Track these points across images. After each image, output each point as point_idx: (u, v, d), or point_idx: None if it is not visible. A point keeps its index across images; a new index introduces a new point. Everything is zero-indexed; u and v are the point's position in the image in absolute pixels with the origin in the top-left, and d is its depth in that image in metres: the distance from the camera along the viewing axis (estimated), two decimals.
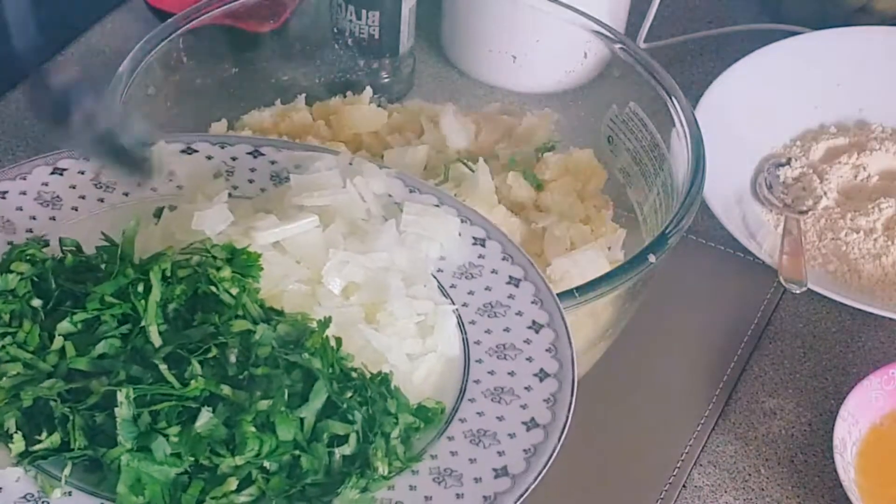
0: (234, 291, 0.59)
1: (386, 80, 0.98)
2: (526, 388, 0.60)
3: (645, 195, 0.83)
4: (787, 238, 0.92)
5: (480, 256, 0.66)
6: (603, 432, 0.82)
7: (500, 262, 0.66)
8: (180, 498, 0.53)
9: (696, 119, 0.79)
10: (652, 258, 0.69)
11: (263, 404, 0.54)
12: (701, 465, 0.81)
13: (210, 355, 0.56)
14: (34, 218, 0.67)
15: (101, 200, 0.68)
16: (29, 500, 0.53)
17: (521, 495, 0.55)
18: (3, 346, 0.57)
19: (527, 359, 0.61)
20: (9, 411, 0.55)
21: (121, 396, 0.53)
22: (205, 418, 0.54)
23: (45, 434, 0.54)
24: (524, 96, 0.95)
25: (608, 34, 0.87)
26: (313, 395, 0.55)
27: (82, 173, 0.69)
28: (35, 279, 0.60)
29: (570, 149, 0.88)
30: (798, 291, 0.88)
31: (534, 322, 0.63)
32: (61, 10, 1.11)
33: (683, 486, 0.80)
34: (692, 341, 0.89)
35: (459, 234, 0.66)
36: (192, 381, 0.54)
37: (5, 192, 0.68)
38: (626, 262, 0.70)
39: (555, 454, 0.57)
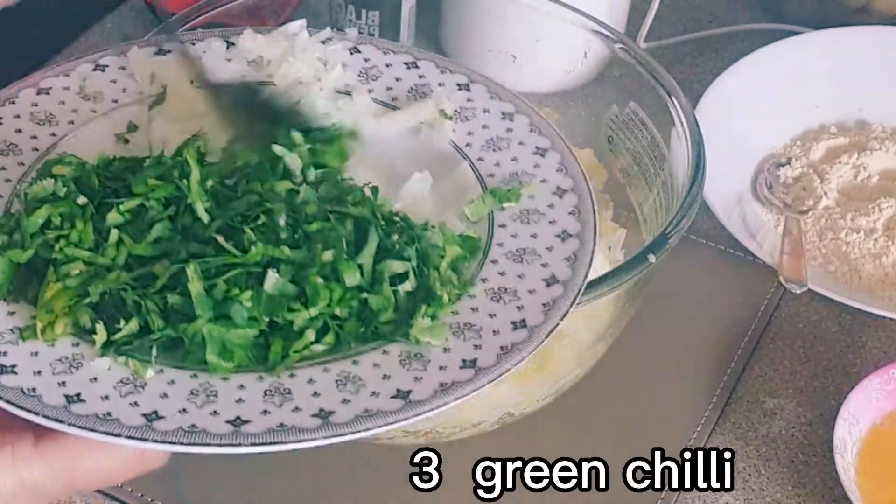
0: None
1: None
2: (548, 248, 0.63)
3: (645, 195, 0.83)
4: (787, 238, 0.92)
5: (509, 130, 0.72)
6: (603, 432, 0.82)
7: (528, 133, 0.72)
8: (266, 356, 0.56)
9: (696, 119, 0.79)
10: (652, 258, 0.69)
11: (327, 255, 0.57)
12: None
13: (260, 222, 0.58)
14: (35, 137, 0.69)
15: (94, 111, 0.71)
16: (126, 384, 0.55)
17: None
18: (61, 248, 0.58)
19: (550, 221, 0.65)
20: (80, 308, 0.57)
21: (190, 272, 0.56)
22: (272, 279, 0.56)
23: (122, 322, 0.56)
24: (524, 96, 0.95)
25: (608, 34, 0.87)
26: (367, 240, 0.59)
27: (67, 89, 0.72)
28: (76, 182, 0.62)
29: None
30: (798, 291, 0.88)
31: (558, 188, 0.67)
32: (61, 9, 1.11)
33: None
34: (692, 341, 0.89)
35: (487, 111, 0.73)
36: (252, 248, 0.57)
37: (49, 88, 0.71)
38: (626, 262, 0.70)
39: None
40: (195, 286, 0.56)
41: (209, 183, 0.61)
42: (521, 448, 0.80)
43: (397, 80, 0.75)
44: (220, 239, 0.57)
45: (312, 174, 0.63)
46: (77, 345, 0.56)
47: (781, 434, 0.83)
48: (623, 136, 0.86)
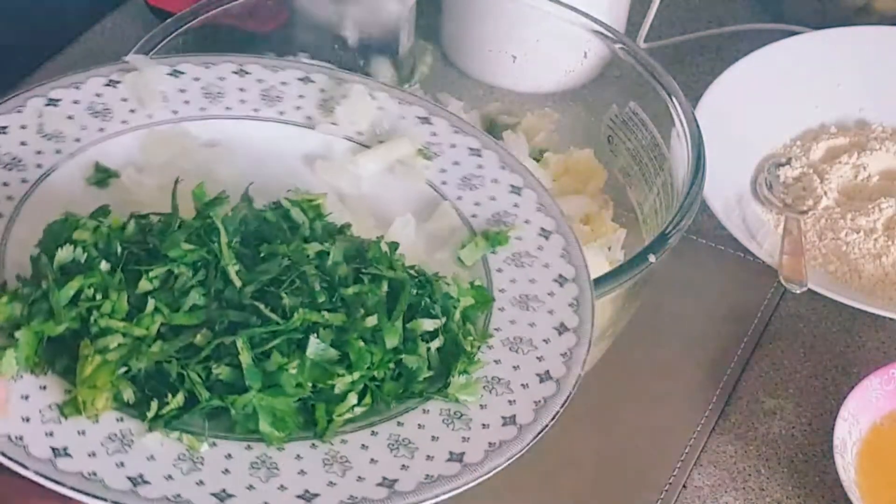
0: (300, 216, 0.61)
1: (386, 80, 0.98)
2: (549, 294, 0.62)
3: (645, 195, 0.83)
4: (787, 238, 0.92)
5: (480, 167, 0.69)
6: (603, 432, 0.82)
7: (499, 171, 0.69)
8: (308, 422, 0.55)
9: (696, 119, 0.79)
10: (652, 258, 0.69)
11: (371, 321, 0.57)
12: (701, 465, 0.81)
13: (294, 286, 0.57)
14: (40, 153, 0.66)
15: (102, 130, 0.68)
16: (184, 460, 0.53)
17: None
18: (96, 320, 0.56)
19: (544, 265, 0.64)
20: (122, 382, 0.55)
21: (240, 344, 0.55)
22: (314, 345, 0.56)
23: (169, 396, 0.55)
24: (524, 96, 0.95)
25: (608, 34, 0.87)
26: (401, 299, 0.58)
27: (77, 102, 0.69)
28: (96, 247, 0.60)
29: (570, 149, 0.88)
30: (798, 291, 0.88)
31: (542, 229, 0.66)
32: (61, 9, 1.11)
33: (683, 486, 0.80)
34: (692, 341, 0.89)
35: (454, 146, 0.70)
36: (295, 314, 0.56)
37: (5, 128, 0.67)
38: (626, 262, 0.70)
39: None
40: (245, 357, 0.55)
41: (234, 243, 0.59)
42: None
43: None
44: (262, 307, 0.56)
45: (319, 226, 0.62)
46: (121, 420, 0.54)
47: (781, 434, 0.83)
48: (623, 136, 0.86)
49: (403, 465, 0.54)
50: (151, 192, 0.65)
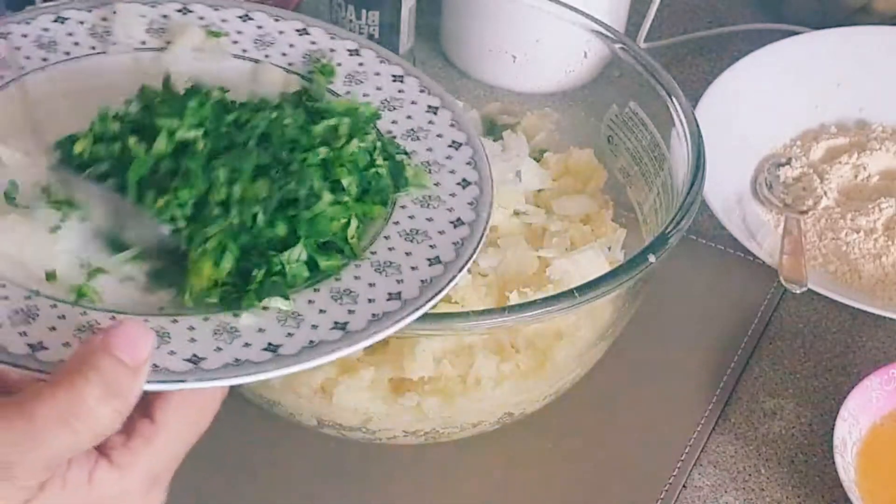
0: None
1: None
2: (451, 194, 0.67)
3: (645, 195, 0.83)
4: (787, 238, 0.92)
5: (400, 91, 0.73)
6: (603, 432, 0.82)
7: (419, 94, 0.73)
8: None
9: (696, 119, 0.79)
10: (652, 258, 0.69)
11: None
12: (701, 465, 0.81)
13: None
14: (28, 58, 0.70)
15: (94, 48, 0.72)
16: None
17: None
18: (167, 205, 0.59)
19: (449, 171, 0.68)
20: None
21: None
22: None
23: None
24: (524, 96, 0.95)
25: (608, 34, 0.87)
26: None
27: (82, 23, 0.73)
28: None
29: (570, 149, 0.88)
30: (798, 291, 0.88)
31: (453, 141, 0.70)
32: None
33: (683, 486, 0.80)
34: (692, 341, 0.89)
35: (378, 74, 0.74)
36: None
37: (7, 34, 0.71)
38: (626, 262, 0.70)
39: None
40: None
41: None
42: (521, 448, 0.80)
43: (291, 46, 0.75)
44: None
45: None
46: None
47: (781, 434, 0.83)
48: (623, 136, 0.86)
49: (349, 311, 0.58)
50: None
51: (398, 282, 0.60)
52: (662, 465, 0.80)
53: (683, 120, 0.79)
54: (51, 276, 0.58)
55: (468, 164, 0.68)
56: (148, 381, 0.52)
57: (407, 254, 0.62)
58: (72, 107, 0.68)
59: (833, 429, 0.78)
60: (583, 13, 0.87)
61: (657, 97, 0.82)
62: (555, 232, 0.80)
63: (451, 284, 0.60)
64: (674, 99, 0.81)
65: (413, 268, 0.61)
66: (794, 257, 0.90)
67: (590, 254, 0.76)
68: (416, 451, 0.79)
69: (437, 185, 0.67)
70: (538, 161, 0.86)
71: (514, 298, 0.72)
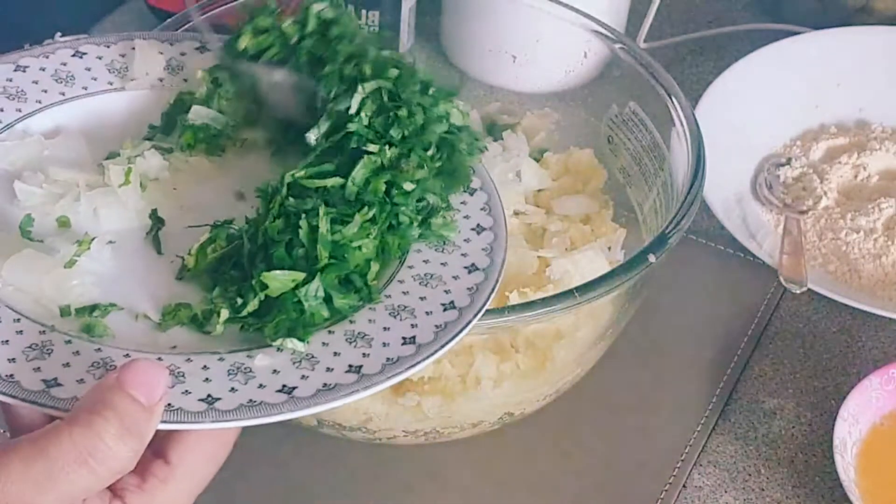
0: None
1: None
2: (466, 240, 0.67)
3: (645, 195, 0.83)
4: (787, 238, 0.92)
5: None
6: (603, 432, 0.82)
7: None
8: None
9: (696, 119, 0.79)
10: (652, 258, 0.69)
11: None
12: (701, 465, 0.81)
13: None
14: (45, 91, 0.71)
15: (111, 84, 0.73)
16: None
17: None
18: None
19: (464, 216, 0.67)
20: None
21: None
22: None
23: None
24: (524, 96, 0.95)
25: (608, 34, 0.87)
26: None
27: (100, 58, 0.73)
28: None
29: (570, 149, 0.88)
30: (798, 291, 0.88)
31: (468, 186, 0.69)
32: (60, 10, 1.11)
33: (683, 486, 0.80)
34: (692, 341, 0.89)
35: None
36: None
37: (26, 67, 0.72)
38: (626, 262, 0.70)
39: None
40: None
41: None
42: (521, 448, 0.80)
43: None
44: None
45: None
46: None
47: (781, 434, 0.83)
48: (623, 136, 0.86)
49: (364, 354, 0.58)
50: None
51: (412, 326, 0.59)
52: (662, 465, 0.80)
53: (683, 120, 0.79)
54: (65, 312, 0.58)
55: (482, 209, 0.68)
56: (163, 421, 0.52)
57: (421, 298, 0.61)
58: (88, 142, 0.69)
59: (833, 429, 0.78)
60: (583, 13, 0.87)
61: (657, 97, 0.82)
62: (555, 232, 0.80)
63: (467, 330, 0.59)
64: (674, 99, 0.81)
65: (428, 312, 0.60)
66: (794, 257, 0.90)
67: (590, 254, 0.76)
68: (416, 451, 0.79)
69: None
70: (538, 161, 0.86)
71: (514, 298, 0.72)
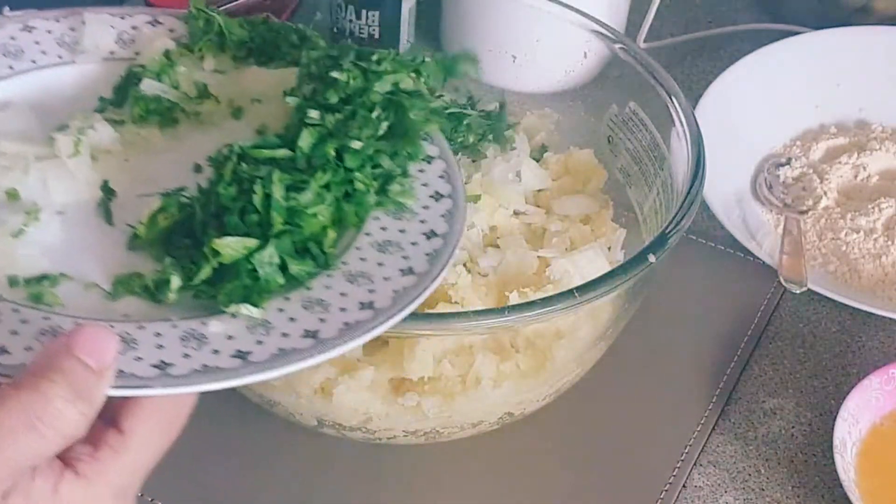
0: None
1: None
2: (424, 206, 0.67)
3: (645, 195, 0.83)
4: (787, 238, 0.92)
5: None
6: (603, 432, 0.82)
7: None
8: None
9: (696, 119, 0.79)
10: (652, 258, 0.69)
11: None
12: (701, 465, 0.81)
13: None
14: None
15: (60, 57, 0.73)
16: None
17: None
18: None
19: (422, 184, 0.67)
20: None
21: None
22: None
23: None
24: (524, 96, 0.95)
25: (608, 34, 0.87)
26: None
27: (49, 32, 0.73)
28: None
29: (570, 149, 0.88)
30: (798, 291, 0.88)
31: (427, 155, 0.69)
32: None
33: (683, 486, 0.80)
34: (692, 341, 0.89)
35: None
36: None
37: None
38: (626, 262, 0.70)
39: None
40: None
41: None
42: (521, 448, 0.80)
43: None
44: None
45: None
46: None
47: (781, 434, 0.83)
48: (623, 136, 0.86)
49: (321, 319, 0.57)
50: None
51: (370, 291, 0.59)
52: (662, 465, 0.80)
53: (683, 120, 0.79)
54: (13, 282, 0.58)
55: (441, 177, 0.68)
56: (114, 387, 0.52)
57: (379, 264, 0.61)
58: (38, 115, 0.68)
59: (833, 429, 0.78)
60: (583, 13, 0.87)
61: (657, 97, 0.82)
62: (555, 232, 0.80)
63: (425, 294, 0.59)
64: (674, 99, 0.81)
65: (385, 278, 0.60)
66: (794, 257, 0.90)
67: (590, 254, 0.76)
68: (416, 451, 0.79)
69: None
70: (538, 161, 0.86)
71: (514, 298, 0.72)
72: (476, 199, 0.79)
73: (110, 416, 0.53)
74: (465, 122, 0.83)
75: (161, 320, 0.57)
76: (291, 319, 0.57)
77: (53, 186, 0.64)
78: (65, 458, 0.51)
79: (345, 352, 0.56)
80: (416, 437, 0.75)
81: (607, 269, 0.74)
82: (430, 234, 0.63)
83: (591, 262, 0.75)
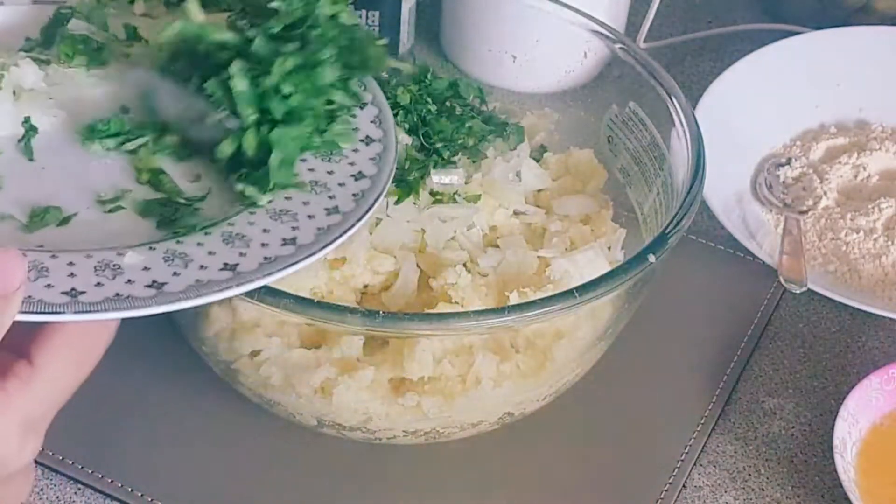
0: None
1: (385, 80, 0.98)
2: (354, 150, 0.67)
3: (645, 195, 0.83)
4: (787, 238, 0.92)
5: None
6: (603, 432, 0.82)
7: None
8: None
9: (696, 119, 0.79)
10: (652, 258, 0.69)
11: None
12: (701, 465, 0.81)
13: None
14: None
15: None
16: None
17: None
18: None
19: (353, 129, 0.68)
20: None
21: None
22: None
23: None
24: (524, 96, 0.95)
25: (608, 34, 0.87)
26: None
27: None
28: None
29: (570, 149, 0.88)
30: (798, 291, 0.88)
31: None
32: None
33: (683, 486, 0.80)
34: (692, 341, 0.89)
35: None
36: None
37: None
38: (626, 262, 0.70)
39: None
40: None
41: None
42: (521, 448, 0.80)
43: None
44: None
45: None
46: None
47: (781, 434, 0.83)
48: (623, 136, 0.86)
49: (241, 253, 0.58)
50: None
51: (293, 228, 0.60)
52: (662, 465, 0.80)
53: (683, 120, 0.79)
54: None
55: (372, 122, 0.69)
56: (22, 312, 0.51)
57: (304, 203, 0.62)
58: None
59: (833, 429, 0.78)
60: (583, 13, 0.87)
61: (657, 97, 0.82)
62: (555, 232, 0.80)
63: (350, 233, 0.60)
64: (674, 99, 0.81)
65: (310, 216, 0.61)
66: (794, 257, 0.90)
67: (590, 254, 0.76)
68: (416, 451, 0.79)
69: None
70: (538, 161, 0.86)
71: (514, 298, 0.72)
72: (476, 199, 0.79)
73: (21, 347, 0.52)
74: (467, 125, 0.82)
75: (75, 251, 0.56)
76: (210, 253, 0.57)
77: None
78: None
79: (262, 285, 0.56)
80: (416, 437, 0.75)
81: (607, 269, 0.74)
82: (359, 176, 0.64)
83: (591, 262, 0.75)
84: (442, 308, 0.72)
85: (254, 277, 0.56)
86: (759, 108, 1.03)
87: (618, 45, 0.86)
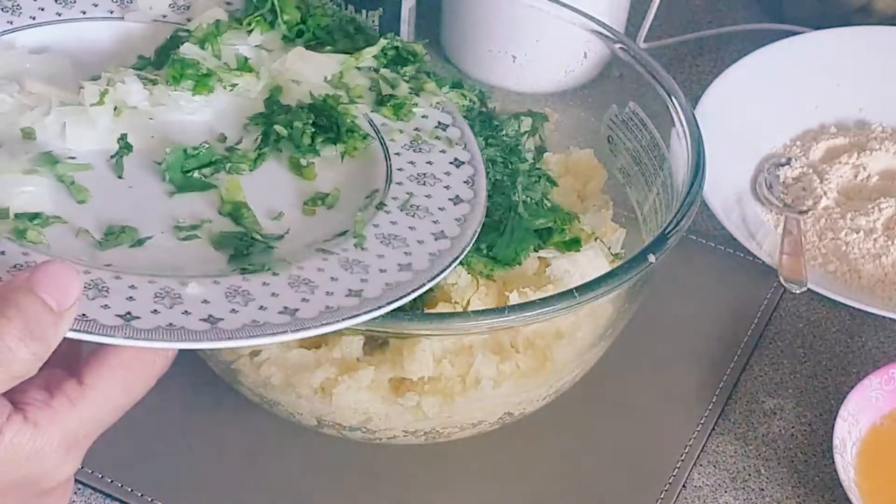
0: None
1: None
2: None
3: (645, 195, 0.83)
4: (787, 238, 0.92)
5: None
6: (603, 432, 0.82)
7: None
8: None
9: (696, 119, 0.79)
10: (652, 258, 0.69)
11: None
12: (701, 465, 0.81)
13: None
14: (42, 9, 0.71)
15: (111, 12, 0.73)
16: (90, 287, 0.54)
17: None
18: None
19: (440, 151, 0.69)
20: None
21: None
22: None
23: None
24: (524, 96, 0.95)
25: (608, 34, 0.87)
26: None
27: None
28: None
29: (570, 149, 0.88)
30: (798, 291, 0.88)
31: (440, 123, 0.71)
32: None
33: (683, 486, 0.80)
34: (692, 341, 0.89)
35: None
36: None
37: None
38: (626, 262, 0.70)
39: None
40: None
41: None
42: (521, 448, 0.80)
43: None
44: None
45: None
46: None
47: (781, 434, 0.83)
48: (623, 136, 0.86)
49: (304, 299, 0.57)
50: None
51: (362, 280, 0.59)
52: (662, 465, 0.80)
53: (683, 120, 0.79)
54: (2, 214, 0.57)
55: (465, 182, 0.68)
56: (73, 330, 0.50)
57: (379, 256, 0.61)
58: (74, 65, 0.69)
59: (833, 429, 0.78)
60: (583, 13, 0.87)
61: (657, 97, 0.82)
62: None
63: (418, 292, 0.59)
64: (674, 99, 0.81)
65: (381, 270, 0.60)
66: (794, 257, 0.90)
67: (590, 254, 0.76)
68: (416, 451, 0.79)
69: (429, 164, 0.68)
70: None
71: (514, 298, 0.72)
72: None
73: (73, 366, 0.52)
74: (502, 133, 0.82)
75: (140, 274, 0.56)
76: (274, 294, 0.57)
77: (71, 133, 0.64)
78: (16, 401, 0.50)
79: (318, 333, 0.56)
80: (416, 437, 0.75)
81: (607, 269, 0.74)
82: (440, 236, 0.63)
83: (591, 262, 0.75)
84: (442, 308, 0.72)
85: (310, 325, 0.55)
86: (759, 108, 1.03)
87: (618, 45, 0.86)
